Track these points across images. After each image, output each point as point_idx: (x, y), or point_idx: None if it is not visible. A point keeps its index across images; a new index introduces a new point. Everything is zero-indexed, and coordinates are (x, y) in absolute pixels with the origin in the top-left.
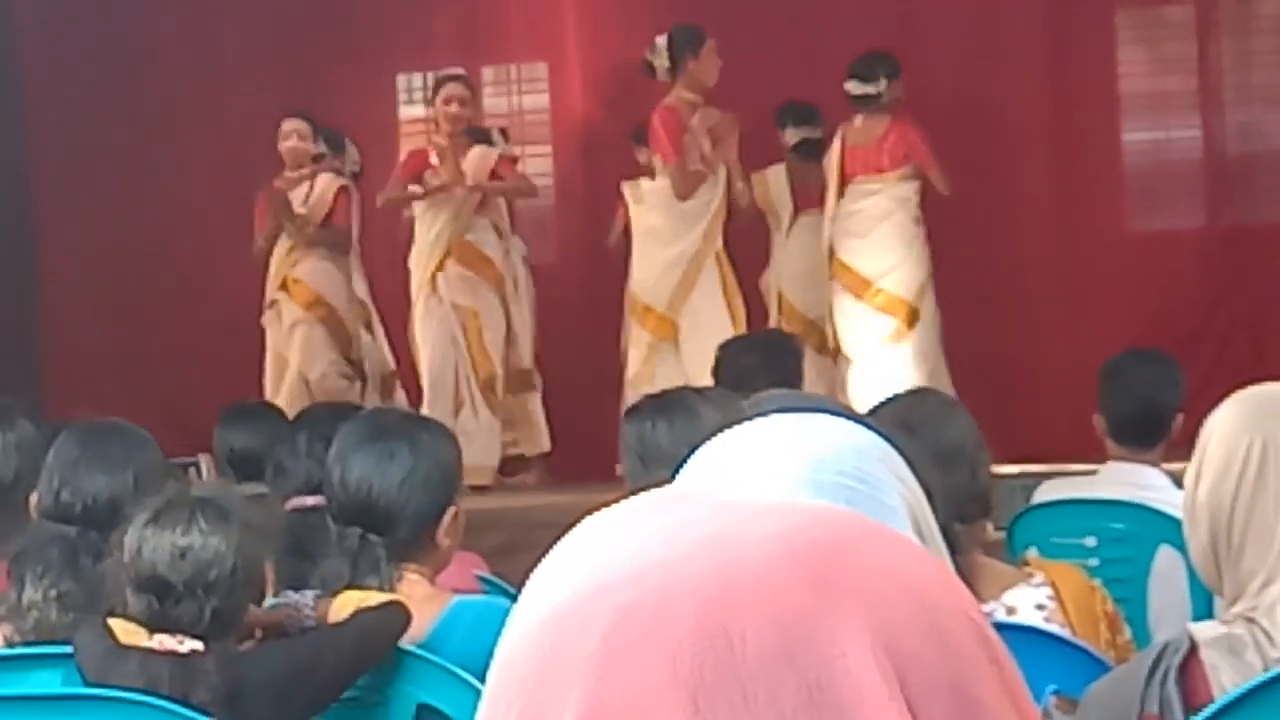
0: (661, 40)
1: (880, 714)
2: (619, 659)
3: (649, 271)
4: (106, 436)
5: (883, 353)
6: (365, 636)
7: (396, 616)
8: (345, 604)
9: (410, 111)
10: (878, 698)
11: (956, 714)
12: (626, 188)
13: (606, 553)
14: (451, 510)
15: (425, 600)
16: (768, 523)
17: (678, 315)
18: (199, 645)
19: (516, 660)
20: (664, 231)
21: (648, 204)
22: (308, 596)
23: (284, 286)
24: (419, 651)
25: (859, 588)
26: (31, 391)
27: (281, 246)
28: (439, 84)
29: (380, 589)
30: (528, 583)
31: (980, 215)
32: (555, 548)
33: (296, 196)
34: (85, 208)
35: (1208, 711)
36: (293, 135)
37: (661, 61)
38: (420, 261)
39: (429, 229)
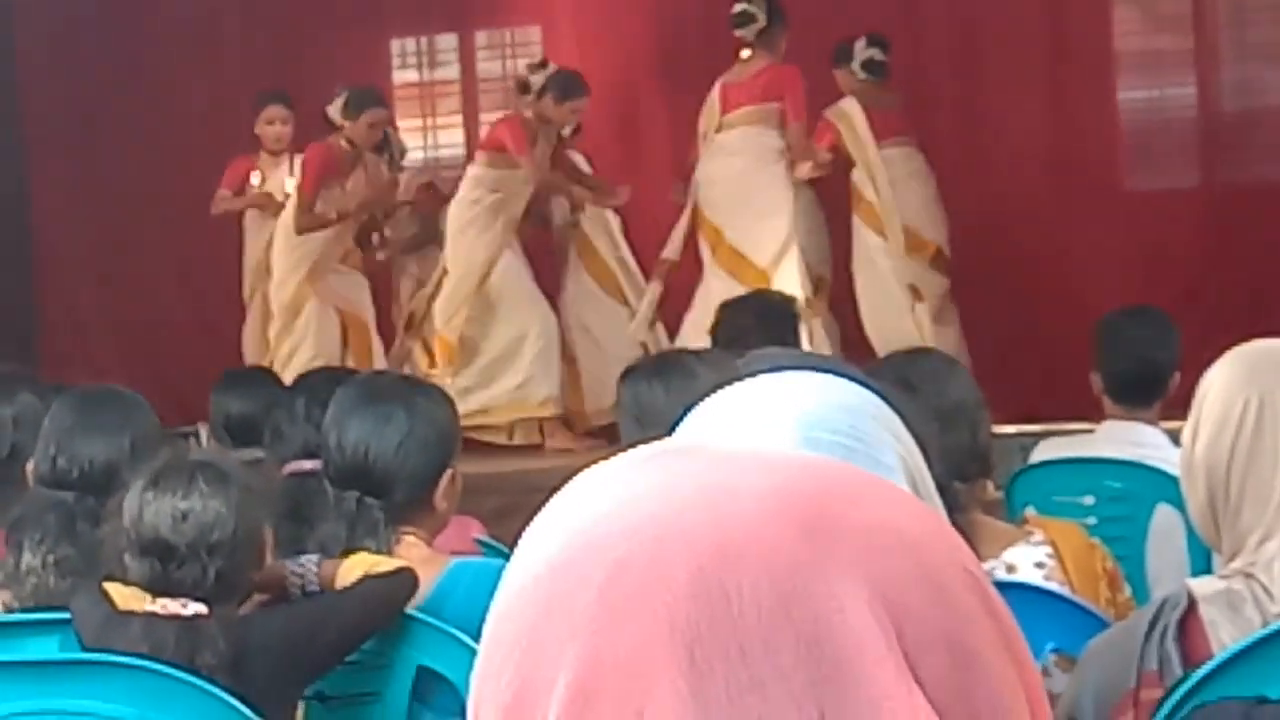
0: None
1: (878, 666)
2: (615, 613)
3: None
4: (102, 402)
5: None
6: (372, 601)
7: (405, 582)
8: (353, 567)
9: (404, 76)
10: (875, 650)
11: (953, 667)
12: None
13: (600, 507)
14: (449, 473)
15: (423, 562)
16: (763, 476)
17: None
18: (202, 608)
19: (511, 616)
20: None
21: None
22: (310, 561)
23: None
24: (419, 614)
25: (855, 541)
26: (27, 362)
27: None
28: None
29: (378, 552)
30: (522, 538)
31: (976, 174)
32: (549, 503)
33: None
34: (80, 176)
35: (1207, 667)
36: (276, 120)
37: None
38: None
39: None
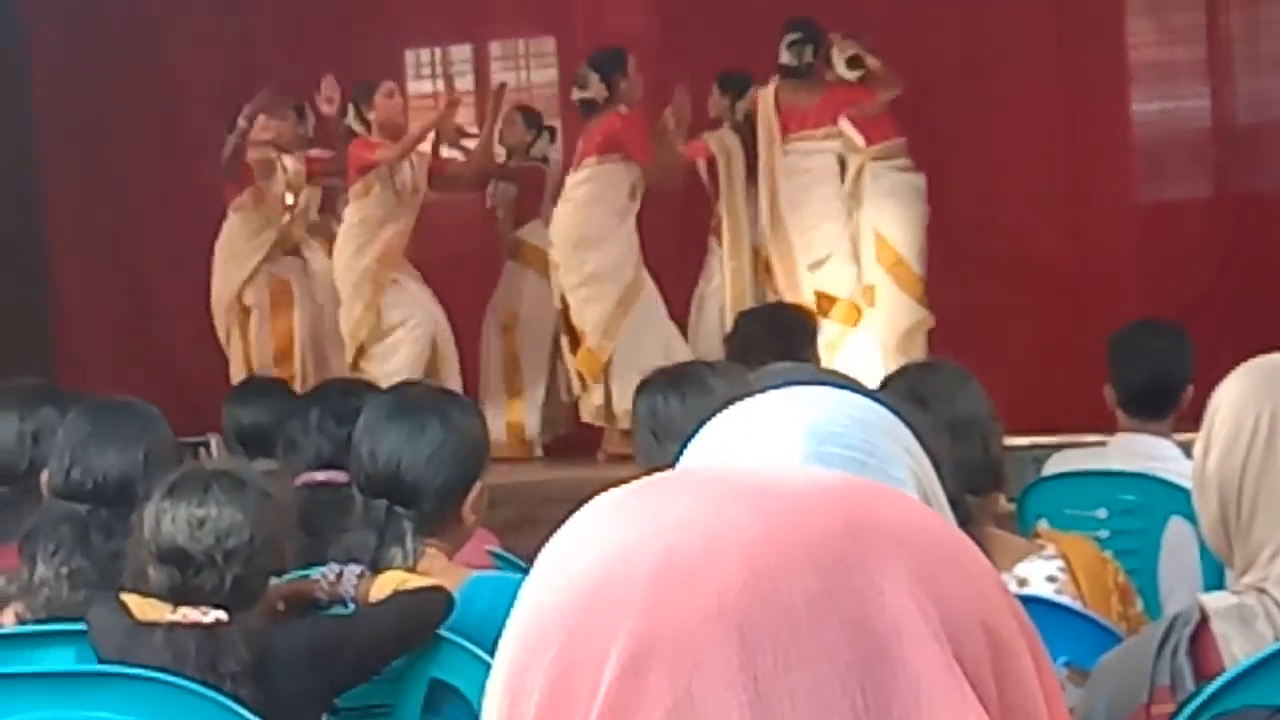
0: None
1: (917, 648)
2: (668, 593)
3: None
4: (117, 414)
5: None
6: (402, 619)
7: (437, 602)
8: (385, 584)
9: (419, 87)
10: (915, 633)
11: (990, 652)
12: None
13: (641, 506)
14: (478, 486)
15: (441, 575)
16: (800, 481)
17: None
18: (223, 615)
19: (553, 608)
20: None
21: None
22: (354, 569)
23: None
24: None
25: (892, 534)
26: (42, 373)
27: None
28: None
29: (404, 561)
30: (545, 550)
31: (990, 186)
32: (577, 515)
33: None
34: (94, 186)
35: (1219, 681)
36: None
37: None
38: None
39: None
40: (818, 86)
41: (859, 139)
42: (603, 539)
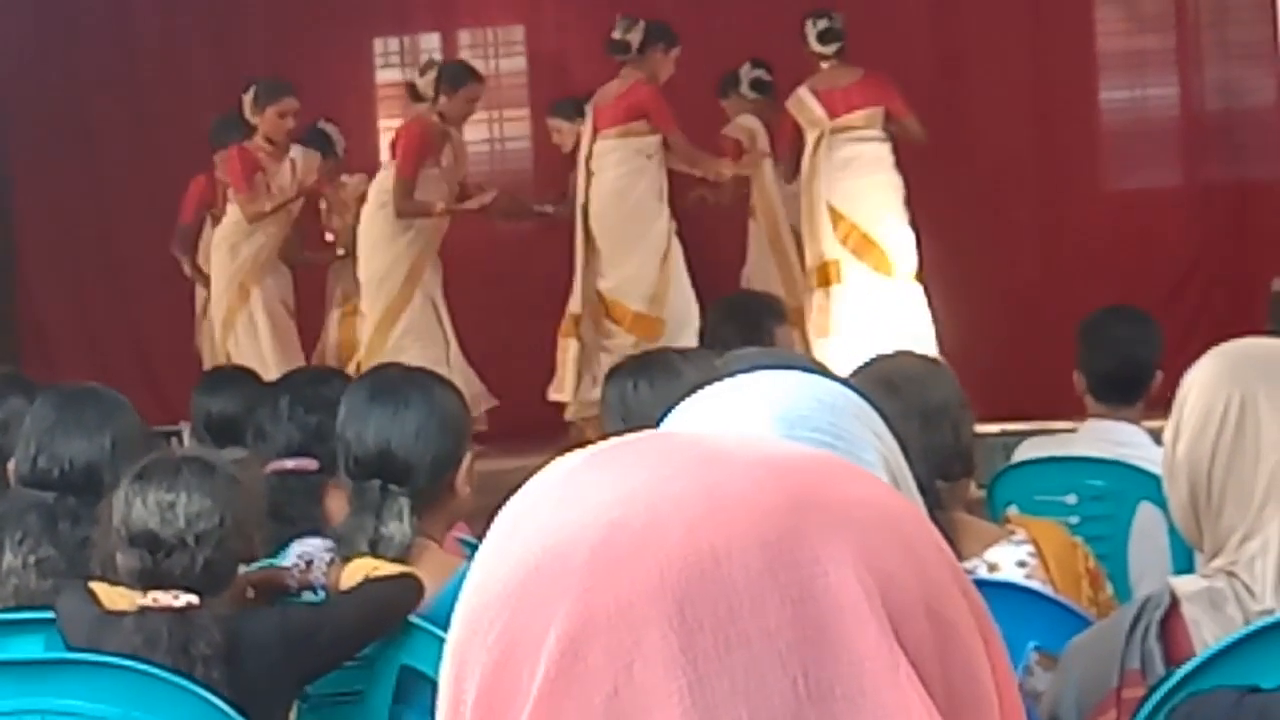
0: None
1: (860, 628)
2: (608, 570)
3: None
4: (83, 401)
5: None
6: (372, 606)
7: (408, 589)
8: (356, 571)
9: (387, 75)
10: (858, 613)
11: (933, 635)
12: None
13: (591, 477)
14: (468, 457)
15: (435, 566)
16: (752, 452)
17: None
18: (194, 599)
19: (496, 582)
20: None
21: None
22: (324, 556)
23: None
24: (411, 617)
25: (840, 512)
26: (10, 361)
27: None
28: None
29: (402, 540)
30: (498, 519)
31: (959, 174)
32: (531, 481)
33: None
34: (62, 176)
35: (1189, 665)
36: (290, 114)
37: (634, 37)
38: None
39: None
40: (853, 69)
41: (819, 110)
42: (549, 512)
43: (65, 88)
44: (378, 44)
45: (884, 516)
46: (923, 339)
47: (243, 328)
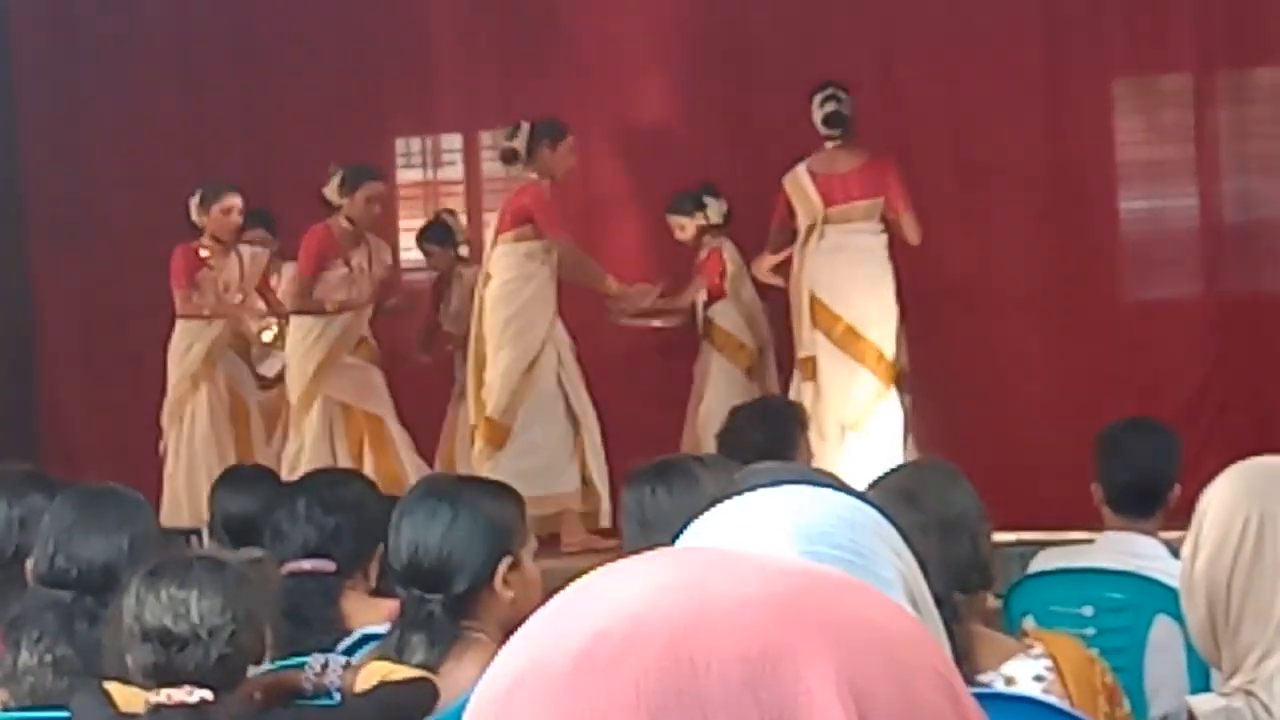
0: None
1: None
2: (589, 681)
3: None
4: (102, 501)
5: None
6: (387, 710)
7: (422, 693)
8: (371, 675)
9: (408, 175)
10: None
11: None
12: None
13: (595, 588)
14: (507, 560)
15: (470, 665)
16: (752, 565)
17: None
18: (208, 694)
19: (489, 689)
20: None
21: None
22: (339, 659)
23: None
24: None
25: (828, 632)
26: (30, 459)
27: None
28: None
29: (428, 650)
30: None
31: (977, 281)
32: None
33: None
34: (82, 271)
35: None
36: (234, 210)
37: (519, 143)
38: None
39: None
40: (857, 152)
41: (815, 197)
42: (546, 622)
43: (85, 183)
44: (399, 144)
45: (875, 638)
46: (893, 441)
47: (186, 420)
